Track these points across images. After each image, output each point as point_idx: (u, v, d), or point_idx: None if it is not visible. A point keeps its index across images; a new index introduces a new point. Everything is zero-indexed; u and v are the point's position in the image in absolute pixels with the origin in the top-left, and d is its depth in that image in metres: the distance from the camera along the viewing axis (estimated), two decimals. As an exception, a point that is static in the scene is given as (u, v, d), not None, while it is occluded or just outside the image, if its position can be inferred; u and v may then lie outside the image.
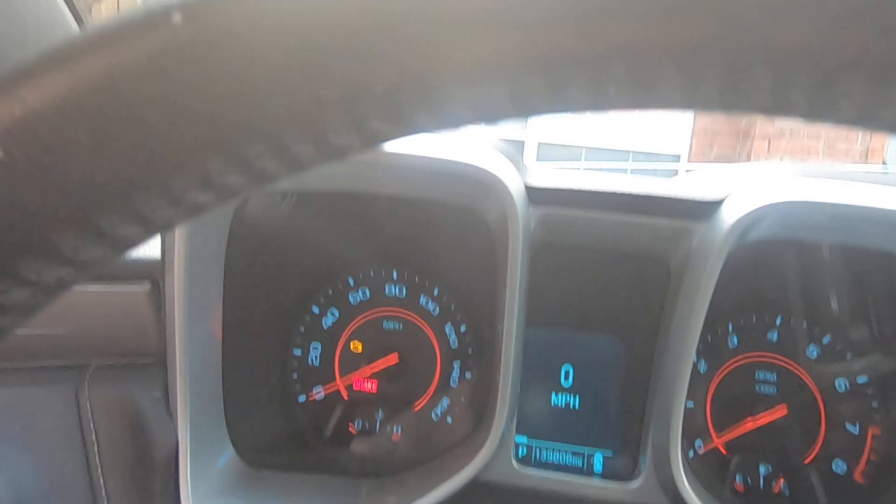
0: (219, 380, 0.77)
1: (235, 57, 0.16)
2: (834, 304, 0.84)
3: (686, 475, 0.71)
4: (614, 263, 0.78)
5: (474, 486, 0.79)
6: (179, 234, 0.67)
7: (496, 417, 0.73)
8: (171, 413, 0.74)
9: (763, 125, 5.52)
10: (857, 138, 5.45)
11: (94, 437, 0.75)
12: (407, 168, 0.59)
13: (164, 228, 0.23)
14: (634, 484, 0.78)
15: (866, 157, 5.46)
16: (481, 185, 0.60)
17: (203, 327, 0.74)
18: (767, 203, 0.59)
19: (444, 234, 0.88)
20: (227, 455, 0.78)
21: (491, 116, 0.19)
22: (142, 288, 0.77)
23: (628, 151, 6.19)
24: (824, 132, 5.38)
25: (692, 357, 0.68)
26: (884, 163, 5.53)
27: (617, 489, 0.79)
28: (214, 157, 0.19)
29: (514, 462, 0.80)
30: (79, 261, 0.22)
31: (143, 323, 0.78)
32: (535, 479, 0.80)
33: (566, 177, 0.66)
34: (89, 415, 0.76)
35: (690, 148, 6.19)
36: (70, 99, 0.18)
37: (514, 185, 0.62)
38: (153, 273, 0.76)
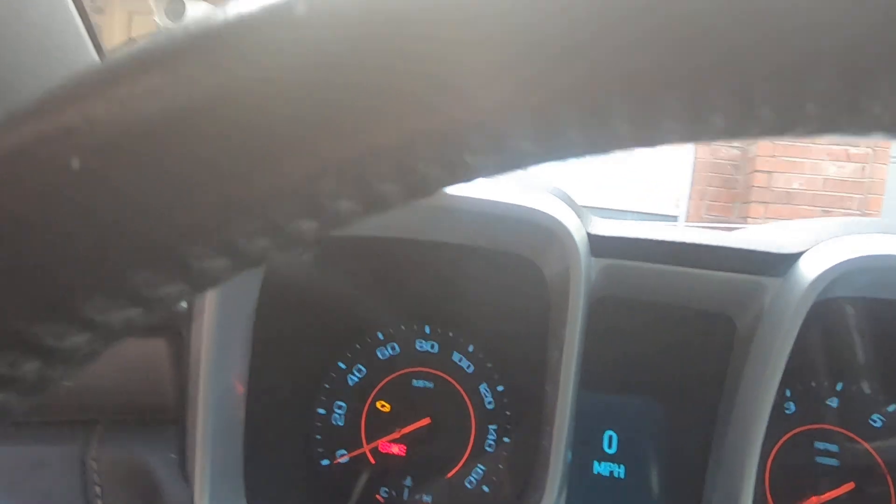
0: (239, 441, 0.71)
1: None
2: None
3: None
4: (676, 321, 0.72)
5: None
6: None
7: (547, 489, 0.66)
8: (186, 477, 0.67)
9: (760, 190, 5.55)
10: (855, 203, 5.47)
11: (99, 502, 0.68)
12: (466, 213, 0.55)
13: (254, 264, 0.20)
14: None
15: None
16: (544, 232, 0.56)
17: (226, 384, 0.68)
18: (856, 256, 0.55)
19: (482, 286, 0.83)
20: (245, 525, 0.70)
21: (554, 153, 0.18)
22: (160, 339, 0.71)
23: (625, 211, 6.22)
24: (821, 198, 5.41)
25: (765, 423, 0.62)
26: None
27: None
28: (326, 180, 0.17)
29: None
30: (154, 299, 0.18)
31: (160, 377, 0.72)
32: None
33: (630, 227, 0.61)
34: (95, 476, 0.69)
35: (688, 210, 6.22)
36: (174, 115, 0.16)
37: (579, 234, 0.58)
38: (174, 324, 0.71)
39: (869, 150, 5.01)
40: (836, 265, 0.55)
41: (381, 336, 0.88)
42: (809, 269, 0.57)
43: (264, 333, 0.75)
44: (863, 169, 5.02)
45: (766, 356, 0.61)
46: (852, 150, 5.00)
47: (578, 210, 0.60)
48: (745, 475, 0.64)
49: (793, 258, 0.60)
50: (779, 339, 0.59)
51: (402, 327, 0.88)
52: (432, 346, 0.88)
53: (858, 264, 0.55)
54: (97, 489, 0.69)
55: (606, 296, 0.69)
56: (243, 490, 0.72)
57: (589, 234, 0.60)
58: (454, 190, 0.58)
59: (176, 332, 0.71)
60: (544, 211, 0.55)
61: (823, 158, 5.13)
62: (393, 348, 0.88)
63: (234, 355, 0.68)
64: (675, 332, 0.73)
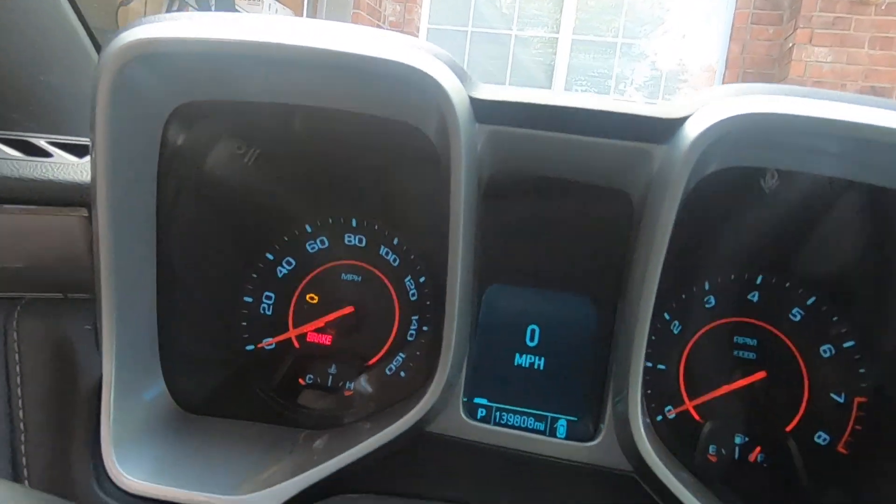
0: (152, 319, 0.73)
1: None
2: (820, 261, 0.78)
3: (649, 439, 0.65)
4: (575, 201, 0.72)
5: (426, 440, 0.74)
6: (102, 163, 0.62)
7: (440, 362, 0.67)
8: (99, 347, 0.70)
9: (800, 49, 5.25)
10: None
11: (17, 368, 0.71)
12: (344, 67, 0.55)
13: None
14: (592, 443, 0.72)
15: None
16: (417, 88, 0.55)
17: (131, 262, 0.69)
18: (733, 114, 0.54)
19: (404, 182, 0.84)
20: (156, 395, 0.73)
21: None
22: (77, 214, 0.73)
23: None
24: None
25: (651, 304, 0.62)
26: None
27: (575, 447, 0.73)
28: None
29: (462, 414, 0.74)
30: None
31: (78, 253, 0.74)
32: (487, 432, 0.74)
33: (515, 91, 0.60)
34: (14, 346, 0.72)
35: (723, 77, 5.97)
36: None
37: (458, 95, 0.57)
38: (86, 200, 0.73)
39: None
40: (714, 124, 0.54)
41: (309, 229, 0.89)
42: (691, 131, 0.56)
43: (187, 226, 0.77)
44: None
45: (652, 229, 0.60)
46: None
47: (461, 73, 0.59)
48: (635, 356, 0.64)
49: (678, 123, 0.58)
50: (663, 209, 0.58)
51: (330, 220, 0.89)
52: (360, 240, 0.89)
53: (738, 123, 0.54)
54: (16, 357, 0.72)
55: (503, 171, 0.69)
56: (159, 366, 0.75)
57: (472, 98, 0.59)
58: (335, 44, 0.57)
59: (88, 208, 0.73)
60: (413, 65, 0.54)
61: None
62: (322, 242, 0.89)
63: (136, 233, 0.69)
64: (579, 215, 0.73)
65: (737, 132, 0.55)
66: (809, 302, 0.79)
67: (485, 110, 0.60)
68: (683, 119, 0.59)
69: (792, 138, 0.56)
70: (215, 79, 0.64)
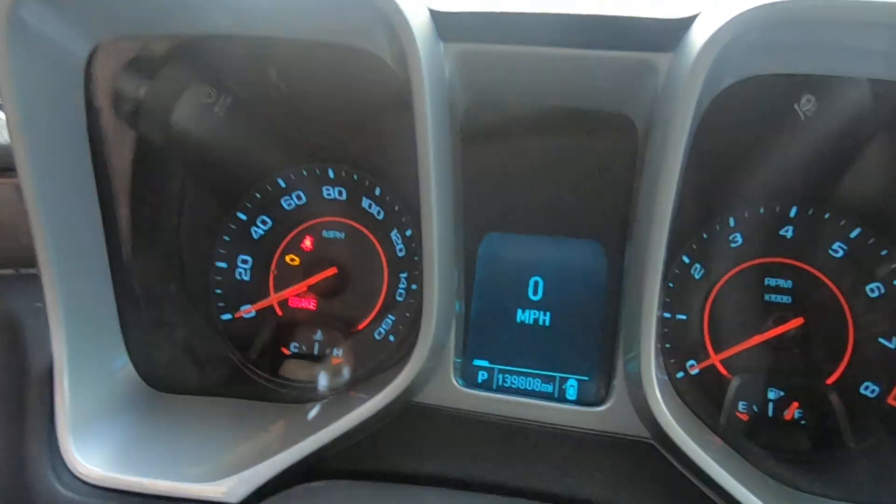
0: (107, 291, 0.66)
1: None
2: (865, 187, 0.67)
3: (665, 399, 0.56)
4: (572, 133, 0.62)
5: (416, 412, 0.67)
6: (15, 120, 0.54)
7: (423, 323, 0.59)
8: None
9: None
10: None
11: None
12: None
13: None
14: (602, 407, 0.64)
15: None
16: (365, 5, 0.46)
17: (76, 229, 0.62)
18: (750, 7, 0.43)
19: (383, 127, 0.74)
20: (118, 373, 0.67)
21: None
22: (11, 180, 0.66)
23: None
24: None
25: (662, 245, 0.52)
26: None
27: (584, 413, 0.64)
28: None
29: (455, 381, 0.66)
30: None
31: (20, 224, 0.67)
32: (485, 400, 0.66)
33: (486, 1, 0.50)
34: (-38, 331, 0.66)
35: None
36: None
37: (410, 4, 0.47)
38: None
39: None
40: (727, 22, 0.43)
41: (283, 184, 0.81)
42: (699, 33, 0.45)
43: (142, 187, 0.69)
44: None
45: (660, 155, 0.50)
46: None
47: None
48: (646, 305, 0.54)
49: (684, 24, 0.47)
50: (673, 130, 0.48)
51: (305, 173, 0.80)
52: (340, 193, 0.80)
53: (758, 17, 0.43)
54: (-35, 339, 0.66)
55: (487, 116, 0.59)
56: (121, 341, 0.68)
57: (432, 11, 0.49)
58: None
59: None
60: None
61: None
62: (299, 197, 0.81)
63: (73, 196, 0.62)
64: (579, 151, 0.63)
65: (756, 30, 0.44)
66: (854, 234, 0.68)
67: (450, 25, 0.50)
68: (690, 19, 0.48)
69: (825, 32, 0.44)
70: (134, 7, 0.55)
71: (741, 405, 0.70)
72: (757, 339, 0.69)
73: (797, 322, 0.68)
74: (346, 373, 0.76)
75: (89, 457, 0.60)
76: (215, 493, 0.58)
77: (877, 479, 0.64)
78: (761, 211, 0.70)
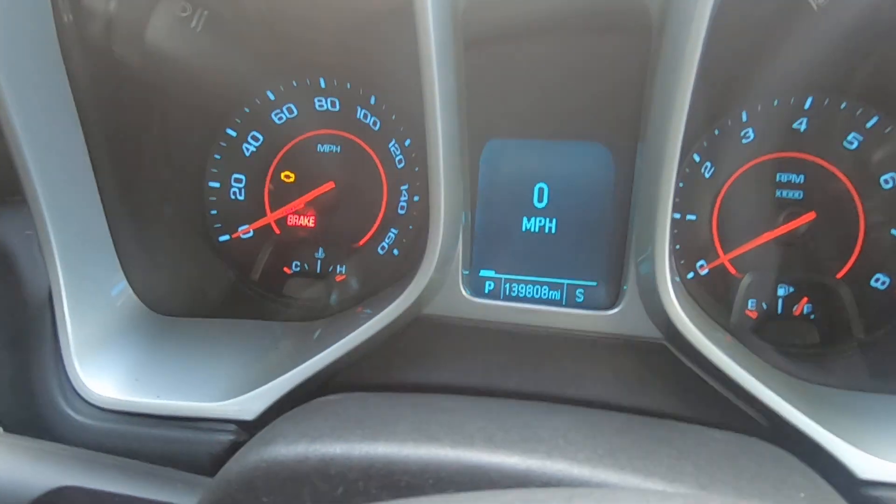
0: (98, 216, 0.63)
1: None
2: (884, 74, 0.64)
3: (679, 299, 0.55)
4: (578, 28, 0.58)
5: (425, 324, 0.66)
6: None
7: (430, 233, 0.57)
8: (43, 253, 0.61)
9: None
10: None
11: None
12: None
13: None
14: (613, 311, 0.63)
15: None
16: None
17: (60, 153, 0.59)
18: None
19: (375, 29, 0.69)
20: (119, 297, 0.65)
21: None
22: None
23: None
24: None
25: (679, 141, 0.49)
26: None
27: (595, 317, 0.64)
28: None
29: (464, 291, 0.65)
30: None
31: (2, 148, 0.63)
32: (494, 308, 0.65)
33: None
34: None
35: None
36: None
37: None
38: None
39: None
40: None
41: (272, 96, 0.76)
42: None
43: (126, 110, 0.65)
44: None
45: (679, 42, 0.47)
46: None
47: None
48: (661, 204, 0.52)
49: None
50: (694, 16, 0.45)
51: (295, 84, 0.76)
52: (333, 104, 0.76)
53: None
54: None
55: (488, 13, 0.55)
56: (117, 265, 0.67)
57: None
58: None
59: None
60: None
61: None
62: (290, 110, 0.77)
63: (56, 127, 0.58)
64: (587, 47, 0.59)
65: None
66: (870, 124, 0.66)
67: None
68: None
69: None
70: None
71: (751, 303, 0.70)
72: (767, 237, 0.68)
73: (809, 217, 0.67)
74: (350, 288, 0.75)
75: (98, 382, 0.60)
76: (230, 412, 0.58)
77: (885, 369, 0.64)
78: (775, 103, 0.67)
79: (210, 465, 0.56)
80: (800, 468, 0.47)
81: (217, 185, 0.77)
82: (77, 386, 0.59)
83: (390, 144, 0.75)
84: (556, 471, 0.39)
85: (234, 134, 0.77)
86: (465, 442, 0.42)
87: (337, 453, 0.41)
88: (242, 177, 0.78)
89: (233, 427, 0.58)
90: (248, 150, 0.78)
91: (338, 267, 0.77)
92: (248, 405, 0.58)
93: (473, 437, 0.42)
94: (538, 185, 0.70)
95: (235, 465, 0.43)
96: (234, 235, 0.77)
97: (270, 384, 0.58)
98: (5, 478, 0.42)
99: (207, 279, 0.74)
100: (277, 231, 0.78)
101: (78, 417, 0.59)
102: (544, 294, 0.70)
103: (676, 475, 0.40)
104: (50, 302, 0.61)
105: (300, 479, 0.40)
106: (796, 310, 0.68)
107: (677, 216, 0.70)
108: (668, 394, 0.60)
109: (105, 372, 0.61)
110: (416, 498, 0.26)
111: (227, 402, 0.58)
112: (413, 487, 0.39)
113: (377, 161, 0.76)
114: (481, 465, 0.40)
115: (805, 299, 0.68)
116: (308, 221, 0.77)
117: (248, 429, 0.57)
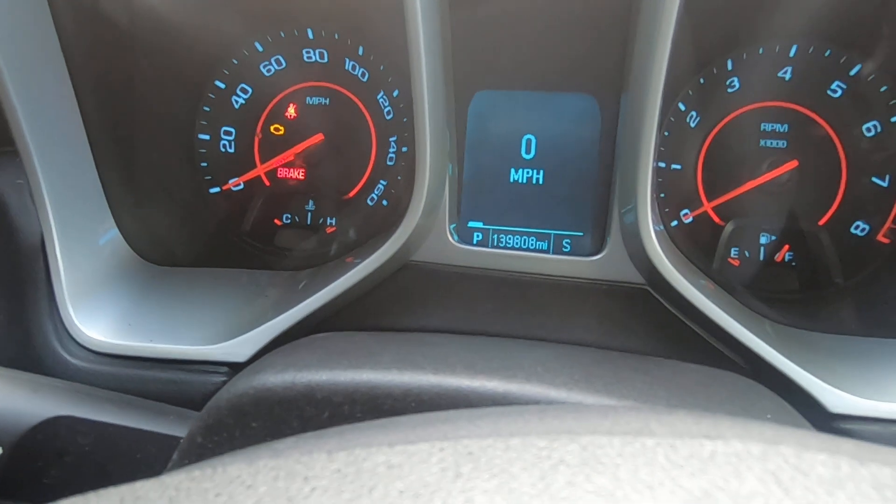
0: (88, 165, 0.64)
1: None
2: (870, 21, 0.64)
3: (662, 247, 0.56)
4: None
5: (413, 270, 0.67)
6: None
7: (416, 181, 0.58)
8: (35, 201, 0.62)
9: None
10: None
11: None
12: None
13: None
14: (597, 257, 0.64)
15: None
16: None
17: (50, 102, 0.59)
18: None
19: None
20: (110, 245, 0.66)
21: None
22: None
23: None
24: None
25: (659, 91, 0.50)
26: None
27: (579, 263, 0.65)
28: None
29: (452, 238, 0.66)
30: None
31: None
32: (481, 255, 0.66)
33: None
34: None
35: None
36: None
37: None
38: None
39: None
40: None
41: (260, 48, 0.76)
42: None
43: (113, 62, 0.65)
44: None
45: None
46: None
47: None
48: (643, 152, 0.53)
49: None
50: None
51: (283, 35, 0.76)
52: (321, 55, 0.77)
53: None
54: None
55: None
56: (109, 215, 0.67)
57: None
58: None
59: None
60: None
61: None
62: (278, 62, 0.77)
63: (45, 79, 0.59)
64: (571, 2, 0.59)
65: None
66: (853, 72, 0.67)
67: None
68: None
69: None
70: None
71: (733, 251, 0.71)
72: (750, 185, 0.69)
73: (791, 165, 0.68)
74: (341, 239, 0.76)
75: (92, 326, 0.61)
76: (222, 354, 0.59)
77: (861, 312, 0.66)
78: (760, 51, 0.68)
79: (202, 403, 0.57)
80: (770, 396, 0.49)
81: (207, 137, 0.77)
82: (72, 330, 0.60)
83: (378, 96, 0.76)
84: (535, 394, 0.41)
85: (222, 86, 0.77)
86: (447, 369, 0.43)
87: (323, 380, 0.42)
88: (232, 129, 0.78)
89: (224, 369, 0.59)
90: (237, 102, 0.78)
91: (328, 218, 0.78)
92: (239, 348, 0.59)
93: (455, 365, 0.44)
94: (526, 137, 0.71)
95: (225, 393, 0.44)
96: (225, 188, 0.78)
97: (261, 328, 0.60)
98: (2, 406, 0.43)
99: (199, 230, 0.75)
100: (268, 183, 0.78)
101: (73, 360, 0.60)
102: (532, 245, 0.71)
103: (648, 398, 0.41)
104: (43, 250, 0.62)
105: (288, 405, 0.42)
106: (778, 257, 0.70)
107: (662, 165, 0.71)
108: (650, 337, 0.62)
109: (98, 317, 0.62)
110: (397, 417, 0.27)
111: (218, 345, 0.60)
112: (396, 411, 0.41)
113: (366, 113, 0.76)
114: (461, 389, 0.41)
115: (787, 246, 0.69)
116: (298, 174, 0.78)
117: (240, 370, 0.58)
